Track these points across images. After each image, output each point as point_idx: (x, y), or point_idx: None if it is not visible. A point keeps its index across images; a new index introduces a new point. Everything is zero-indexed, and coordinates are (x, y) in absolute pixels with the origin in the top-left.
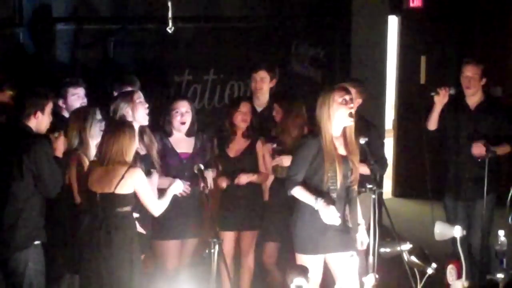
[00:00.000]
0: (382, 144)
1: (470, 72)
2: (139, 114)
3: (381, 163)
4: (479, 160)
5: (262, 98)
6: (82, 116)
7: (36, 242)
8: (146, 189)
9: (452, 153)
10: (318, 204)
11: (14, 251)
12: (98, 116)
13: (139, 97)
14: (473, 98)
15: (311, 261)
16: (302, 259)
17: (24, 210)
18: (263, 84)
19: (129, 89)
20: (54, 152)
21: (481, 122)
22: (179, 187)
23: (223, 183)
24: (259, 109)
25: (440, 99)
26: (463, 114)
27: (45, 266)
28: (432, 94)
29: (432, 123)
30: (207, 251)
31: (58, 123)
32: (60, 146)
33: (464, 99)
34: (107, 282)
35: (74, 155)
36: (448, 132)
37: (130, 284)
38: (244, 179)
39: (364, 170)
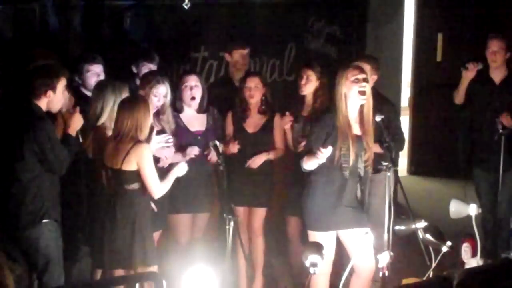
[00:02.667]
0: (399, 119)
1: (495, 47)
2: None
3: (399, 138)
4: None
5: (242, 74)
6: (107, 91)
7: (45, 221)
8: (149, 167)
9: (479, 127)
10: (321, 158)
11: (22, 230)
12: (125, 93)
13: (152, 86)
14: (498, 72)
15: (323, 238)
16: (313, 236)
17: (29, 189)
18: (247, 60)
19: (146, 66)
20: (67, 130)
21: (506, 96)
22: (182, 169)
23: (234, 148)
24: (238, 84)
25: (469, 74)
26: (489, 88)
27: (61, 241)
28: (462, 68)
29: (459, 97)
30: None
31: (78, 100)
32: (73, 123)
33: (489, 73)
34: (107, 256)
35: (97, 129)
36: (474, 106)
37: (129, 261)
38: (257, 162)
39: (378, 149)
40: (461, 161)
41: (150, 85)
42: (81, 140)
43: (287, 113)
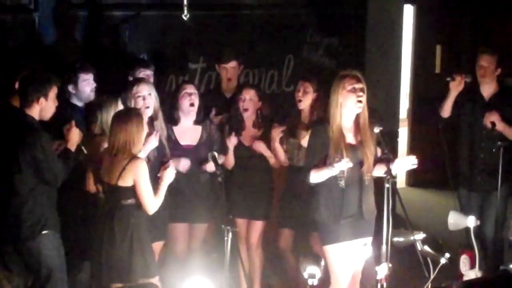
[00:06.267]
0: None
1: (485, 62)
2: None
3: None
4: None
5: (232, 85)
6: (104, 105)
7: (44, 232)
8: (145, 183)
9: (466, 143)
10: (334, 169)
11: (23, 242)
12: (120, 106)
13: (138, 91)
14: (488, 88)
15: (336, 251)
16: (327, 250)
17: (27, 202)
18: (235, 73)
19: (142, 72)
20: (65, 144)
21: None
22: (171, 175)
23: (233, 139)
24: (228, 95)
25: (456, 86)
26: (477, 104)
27: (63, 250)
28: (448, 79)
29: (446, 110)
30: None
31: (70, 111)
32: (72, 137)
33: (479, 89)
34: (105, 272)
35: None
36: (461, 122)
37: (129, 276)
38: (261, 145)
39: (380, 172)
40: (450, 177)
41: (131, 89)
42: (85, 152)
43: (276, 124)
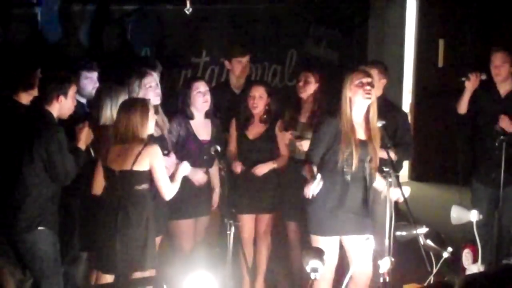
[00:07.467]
0: (409, 129)
1: (499, 61)
2: (149, 98)
3: (406, 149)
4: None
5: (242, 81)
6: (113, 95)
7: (40, 228)
8: (162, 168)
9: (482, 139)
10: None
11: (19, 234)
12: (123, 96)
13: (150, 82)
14: (504, 85)
15: (325, 243)
16: (316, 240)
17: (30, 194)
18: (247, 68)
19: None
20: (76, 143)
21: (511, 109)
22: (187, 168)
23: (238, 168)
24: (237, 91)
25: (471, 84)
26: (493, 100)
27: (59, 246)
28: (463, 79)
29: (462, 107)
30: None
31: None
32: (83, 137)
33: (495, 85)
34: (120, 260)
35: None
36: (478, 118)
37: (142, 263)
38: (262, 170)
39: (384, 154)
40: (462, 172)
41: (139, 79)
42: (93, 154)
43: (290, 132)
